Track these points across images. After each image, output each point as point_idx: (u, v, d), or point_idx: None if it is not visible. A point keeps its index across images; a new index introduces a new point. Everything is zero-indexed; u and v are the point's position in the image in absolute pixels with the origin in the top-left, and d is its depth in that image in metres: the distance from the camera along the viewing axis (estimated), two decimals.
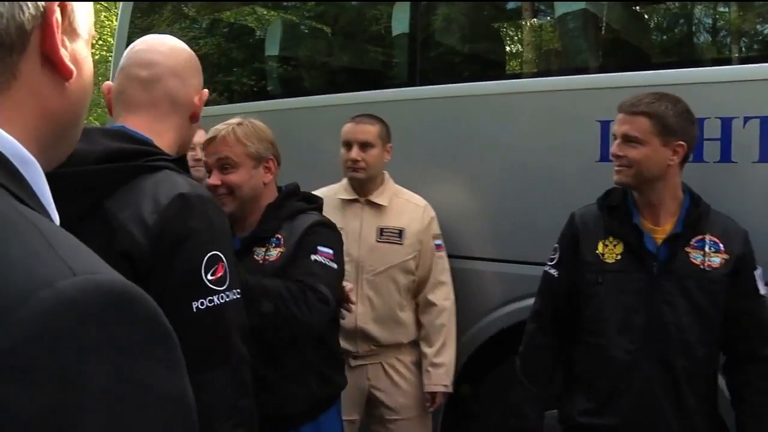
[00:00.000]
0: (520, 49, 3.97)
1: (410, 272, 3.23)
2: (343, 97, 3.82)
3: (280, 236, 2.45)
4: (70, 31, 0.77)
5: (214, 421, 1.49)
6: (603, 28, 3.48)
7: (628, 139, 2.37)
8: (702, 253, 2.36)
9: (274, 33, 4.51)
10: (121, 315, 0.59)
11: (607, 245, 2.46)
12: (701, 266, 2.35)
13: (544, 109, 3.22)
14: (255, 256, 2.43)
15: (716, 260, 2.35)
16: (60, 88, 0.76)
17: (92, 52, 0.83)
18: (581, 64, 3.40)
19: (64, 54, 0.74)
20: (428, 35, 3.75)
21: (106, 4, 16.48)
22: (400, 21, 3.74)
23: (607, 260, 2.45)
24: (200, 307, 1.50)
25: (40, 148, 0.75)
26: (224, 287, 1.54)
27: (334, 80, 4.32)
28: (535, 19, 3.78)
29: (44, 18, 0.72)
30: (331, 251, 2.42)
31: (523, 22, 3.85)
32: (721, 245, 2.36)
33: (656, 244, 2.41)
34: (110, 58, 8.13)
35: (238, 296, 1.60)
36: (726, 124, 2.75)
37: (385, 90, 3.72)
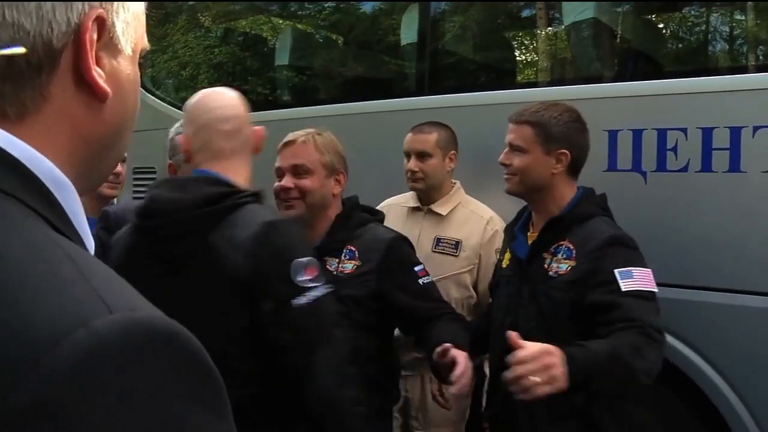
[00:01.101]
0: (530, 58, 3.95)
1: (465, 287, 3.11)
2: (353, 106, 3.82)
3: (353, 248, 2.49)
4: (111, 47, 0.70)
5: (330, 389, 1.87)
6: (614, 36, 3.45)
7: (513, 148, 2.43)
8: (555, 259, 2.36)
9: (284, 42, 4.53)
10: (164, 357, 0.53)
11: (506, 252, 2.62)
12: (549, 272, 2.36)
13: None
14: (328, 266, 2.46)
15: (563, 267, 2.33)
16: (95, 109, 0.69)
17: None
18: (591, 73, 3.37)
19: (99, 74, 0.68)
20: (437, 44, 3.74)
21: None
22: (409, 30, 3.74)
23: (502, 265, 2.63)
24: (301, 303, 1.81)
25: (78, 173, 0.69)
26: (317, 284, 1.86)
27: (344, 89, 4.32)
28: (548, 28, 3.76)
29: (77, 35, 0.65)
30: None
31: (534, 31, 3.83)
32: (573, 252, 2.32)
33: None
34: None
35: (330, 290, 1.93)
36: (735, 133, 2.71)
37: (394, 99, 3.72)
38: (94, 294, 0.53)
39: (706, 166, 2.71)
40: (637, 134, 2.87)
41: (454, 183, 3.23)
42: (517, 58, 3.98)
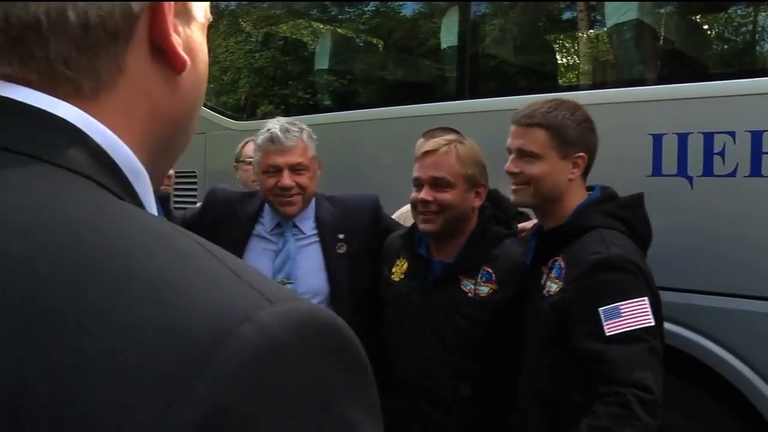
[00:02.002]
0: (571, 61, 3.89)
1: None
2: (394, 110, 3.81)
3: (490, 270, 2.37)
4: (184, 14, 0.63)
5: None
6: (657, 38, 3.38)
7: (523, 154, 2.18)
8: (550, 277, 2.15)
9: (324, 46, 4.54)
10: (334, 353, 0.48)
11: None
12: (543, 290, 2.15)
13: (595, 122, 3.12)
14: (462, 287, 2.37)
15: (553, 287, 2.11)
16: (172, 83, 0.63)
17: None
18: (634, 76, 3.30)
19: (177, 42, 0.61)
20: (478, 47, 3.71)
21: None
22: (449, 33, 3.72)
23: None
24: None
25: (150, 156, 0.62)
26: None
27: (384, 93, 4.31)
28: (590, 31, 3.70)
29: None
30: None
31: (576, 34, 3.77)
32: (563, 272, 2.10)
33: None
34: None
35: None
36: None
37: (435, 103, 3.69)
38: (245, 283, 0.47)
39: (756, 171, 2.63)
40: (683, 138, 2.80)
41: None
42: (559, 61, 3.93)
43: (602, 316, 1.94)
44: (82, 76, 0.56)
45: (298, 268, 2.61)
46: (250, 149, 3.48)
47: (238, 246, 2.60)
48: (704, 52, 3.36)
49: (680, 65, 3.30)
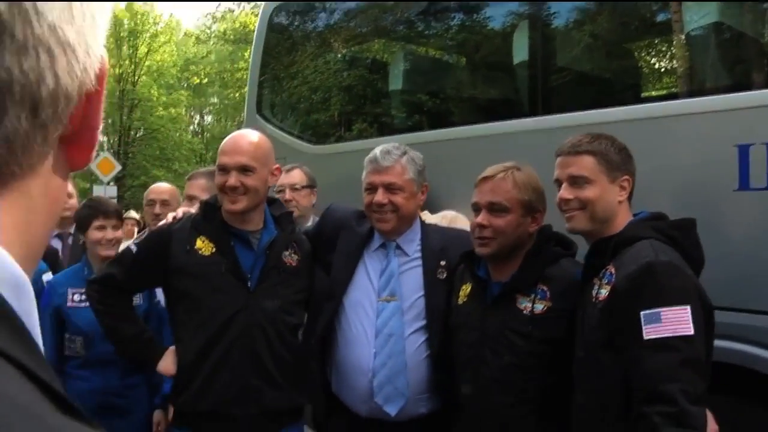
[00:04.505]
0: (647, 71, 3.72)
1: None
2: (478, 128, 3.76)
3: (545, 288, 2.44)
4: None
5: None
6: (742, 42, 3.18)
7: (574, 181, 2.29)
8: (601, 284, 2.19)
9: (397, 66, 4.52)
10: None
11: None
12: (593, 299, 2.21)
13: (676, 135, 2.97)
14: (518, 305, 2.44)
15: (603, 292, 2.17)
16: (65, 180, 0.57)
17: None
18: (717, 84, 3.12)
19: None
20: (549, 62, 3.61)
21: None
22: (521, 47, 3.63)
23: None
24: None
25: (29, 264, 0.53)
26: None
27: (462, 112, 4.26)
28: (664, 37, 3.54)
29: (97, 82, 0.53)
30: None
31: (652, 41, 3.61)
32: (613, 277, 2.15)
33: None
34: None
35: None
36: None
37: (516, 120, 3.61)
38: None
39: None
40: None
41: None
42: (638, 71, 3.77)
43: (642, 320, 2.01)
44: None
45: (401, 285, 2.74)
46: (279, 178, 3.66)
47: (351, 260, 2.83)
48: None
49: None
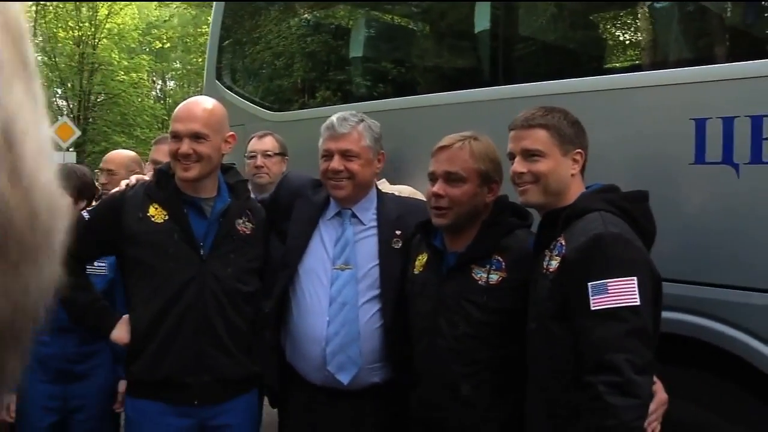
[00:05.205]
0: (608, 43, 3.71)
1: None
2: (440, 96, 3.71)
3: (501, 259, 2.44)
4: None
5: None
6: (700, 15, 3.18)
7: (527, 155, 2.29)
8: (551, 255, 2.22)
9: (359, 33, 4.45)
10: None
11: None
12: (543, 270, 2.23)
13: (633, 108, 2.96)
14: (473, 275, 2.45)
15: (553, 264, 2.19)
16: None
17: None
18: (676, 57, 3.12)
19: None
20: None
21: None
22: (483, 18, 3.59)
23: None
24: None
25: None
26: None
27: (419, 81, 4.21)
28: (627, 10, 3.52)
29: None
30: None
31: (612, 14, 3.60)
32: (564, 249, 2.16)
33: None
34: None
35: None
36: None
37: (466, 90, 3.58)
38: None
39: None
40: (728, 122, 2.63)
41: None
42: (602, 43, 3.76)
43: (590, 290, 2.03)
44: None
45: (356, 254, 2.74)
46: (251, 144, 3.90)
47: (306, 228, 2.82)
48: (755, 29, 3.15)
49: (726, 44, 3.10)
